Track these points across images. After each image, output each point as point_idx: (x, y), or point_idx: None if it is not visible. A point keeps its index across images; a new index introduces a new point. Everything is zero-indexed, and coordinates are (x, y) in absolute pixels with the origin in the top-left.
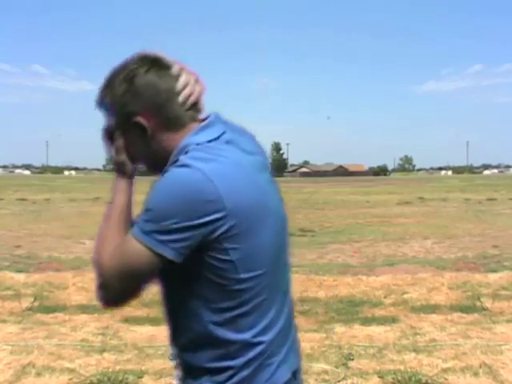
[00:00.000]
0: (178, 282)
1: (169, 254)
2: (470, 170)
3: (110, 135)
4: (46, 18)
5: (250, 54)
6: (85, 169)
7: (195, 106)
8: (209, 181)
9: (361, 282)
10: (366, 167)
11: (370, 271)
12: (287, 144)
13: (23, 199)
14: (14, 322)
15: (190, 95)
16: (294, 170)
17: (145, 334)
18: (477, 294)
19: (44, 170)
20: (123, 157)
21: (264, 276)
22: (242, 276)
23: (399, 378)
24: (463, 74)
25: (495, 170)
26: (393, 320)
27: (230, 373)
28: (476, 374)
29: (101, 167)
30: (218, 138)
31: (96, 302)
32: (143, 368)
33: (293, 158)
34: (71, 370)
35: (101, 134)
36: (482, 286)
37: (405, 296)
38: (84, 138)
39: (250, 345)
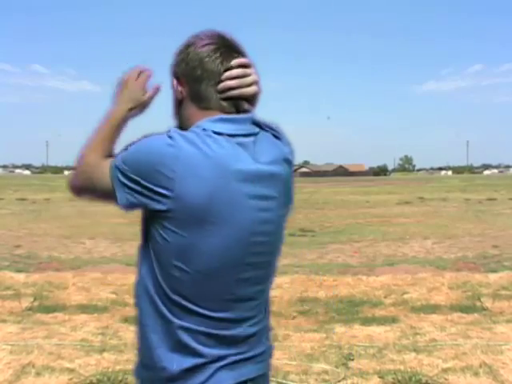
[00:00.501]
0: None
1: (118, 194)
2: (470, 170)
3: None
4: (46, 18)
5: (250, 54)
6: None
7: (234, 101)
8: (176, 160)
9: (361, 282)
10: (366, 167)
11: (370, 271)
12: None
13: (23, 199)
14: (14, 322)
15: (231, 88)
16: (294, 170)
17: None
18: (477, 293)
19: (44, 169)
20: (148, 99)
21: (201, 277)
22: (175, 263)
23: (399, 378)
24: (463, 74)
25: (495, 170)
26: (393, 320)
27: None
28: (476, 374)
29: None
30: (232, 135)
31: (96, 302)
32: None
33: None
34: (71, 370)
35: None
36: (482, 286)
37: (405, 296)
38: (84, 138)
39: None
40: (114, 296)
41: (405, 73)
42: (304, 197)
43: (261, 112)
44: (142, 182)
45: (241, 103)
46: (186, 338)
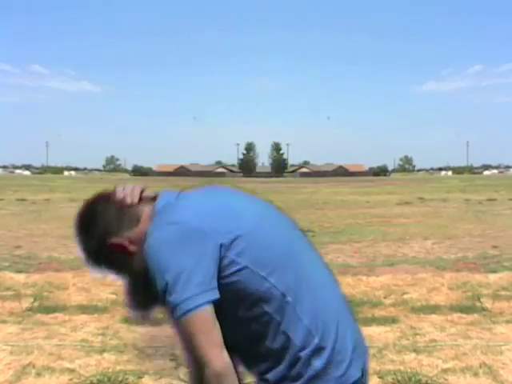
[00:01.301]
0: (231, 317)
1: (213, 294)
2: (470, 170)
3: None
4: (46, 18)
5: (250, 53)
6: (85, 169)
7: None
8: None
9: (361, 282)
10: (366, 167)
11: (370, 271)
12: (287, 144)
13: (23, 199)
14: (14, 323)
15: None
16: (294, 171)
17: (145, 334)
18: (477, 294)
19: (44, 170)
20: None
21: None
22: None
23: (399, 378)
24: (463, 74)
25: (495, 171)
26: (393, 320)
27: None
28: (476, 375)
29: (101, 167)
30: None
31: (96, 303)
32: (143, 368)
33: (293, 158)
34: (71, 371)
35: None
36: (482, 287)
37: (405, 296)
38: (84, 138)
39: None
40: (114, 296)
41: (405, 73)
42: (304, 197)
43: (261, 112)
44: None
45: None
46: None
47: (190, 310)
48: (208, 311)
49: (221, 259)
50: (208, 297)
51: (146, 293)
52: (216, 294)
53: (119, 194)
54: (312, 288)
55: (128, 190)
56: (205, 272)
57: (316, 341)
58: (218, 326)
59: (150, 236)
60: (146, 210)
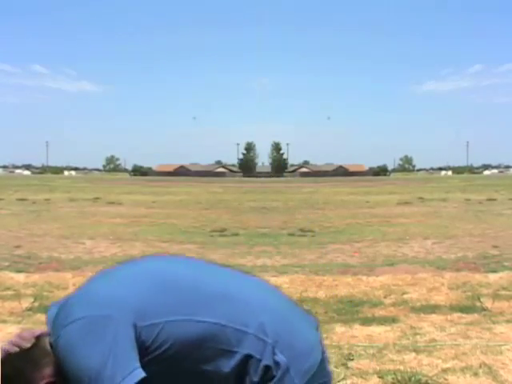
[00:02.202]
0: None
1: (138, 372)
2: (470, 170)
3: None
4: (46, 18)
5: (250, 53)
6: (85, 169)
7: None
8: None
9: (361, 282)
10: (366, 167)
11: (370, 271)
12: (287, 144)
13: (23, 199)
14: (14, 322)
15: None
16: (294, 170)
17: None
18: (477, 294)
19: (44, 170)
20: None
21: None
22: None
23: (399, 378)
24: (463, 73)
25: (495, 170)
26: (393, 320)
27: None
28: (476, 374)
29: (101, 167)
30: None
31: None
32: None
33: (293, 158)
34: None
35: None
36: (482, 286)
37: (405, 296)
38: (84, 138)
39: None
40: None
41: (405, 73)
42: (304, 197)
43: (261, 111)
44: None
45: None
46: None
47: None
48: None
49: (139, 333)
50: (130, 381)
51: None
52: (140, 374)
53: (11, 347)
54: (236, 301)
55: (16, 339)
56: (120, 357)
57: (269, 340)
58: None
59: (56, 344)
60: (47, 340)
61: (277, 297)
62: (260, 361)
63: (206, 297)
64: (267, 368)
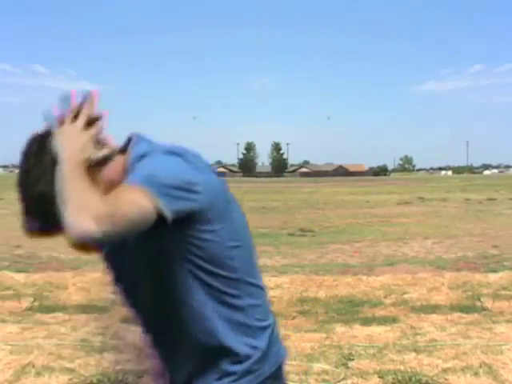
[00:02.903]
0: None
1: (165, 205)
2: (470, 170)
3: None
4: (46, 18)
5: (250, 53)
6: None
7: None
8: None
9: (361, 282)
10: (366, 167)
11: (370, 271)
12: (287, 144)
13: None
14: (14, 322)
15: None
16: (294, 170)
17: None
18: (477, 294)
19: None
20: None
21: (246, 248)
22: (231, 244)
23: (399, 378)
24: (463, 73)
25: (495, 170)
26: (393, 320)
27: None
28: (476, 374)
29: None
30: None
31: (96, 302)
32: (143, 368)
33: (293, 158)
34: (71, 370)
35: None
36: (482, 286)
37: (405, 296)
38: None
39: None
40: (114, 296)
41: (405, 73)
42: (304, 197)
43: (261, 111)
44: (187, 194)
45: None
46: (254, 316)
47: (152, 195)
48: (154, 214)
49: (200, 211)
50: (166, 203)
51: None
52: (173, 213)
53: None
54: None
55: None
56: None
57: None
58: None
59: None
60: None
61: None
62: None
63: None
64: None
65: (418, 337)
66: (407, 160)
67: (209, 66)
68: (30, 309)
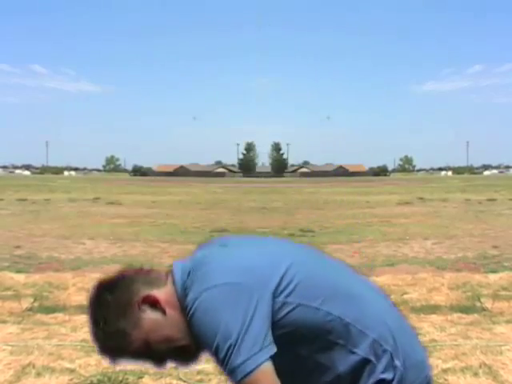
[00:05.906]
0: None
1: (271, 349)
2: (470, 170)
3: None
4: (46, 18)
5: (250, 53)
6: (85, 169)
7: None
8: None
9: None
10: (366, 167)
11: (369, 271)
12: (287, 144)
13: (23, 199)
14: (14, 323)
15: None
16: (294, 170)
17: None
18: (477, 294)
19: (44, 170)
20: None
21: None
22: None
23: None
24: (463, 73)
25: (495, 171)
26: None
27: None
28: (476, 375)
29: (101, 167)
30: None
31: None
32: (143, 368)
33: (293, 158)
34: (71, 371)
35: None
36: (482, 287)
37: (405, 296)
38: (84, 138)
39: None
40: None
41: (405, 73)
42: (304, 197)
43: (261, 111)
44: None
45: None
46: None
47: (251, 372)
48: (269, 367)
49: (272, 306)
50: (267, 354)
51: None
52: (273, 349)
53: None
54: (364, 303)
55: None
56: (259, 329)
57: (389, 348)
58: (277, 379)
59: (198, 296)
60: (162, 273)
61: (390, 303)
62: (375, 366)
63: (334, 290)
64: (382, 380)
65: (418, 337)
66: (407, 160)
67: (209, 66)
68: (30, 309)
